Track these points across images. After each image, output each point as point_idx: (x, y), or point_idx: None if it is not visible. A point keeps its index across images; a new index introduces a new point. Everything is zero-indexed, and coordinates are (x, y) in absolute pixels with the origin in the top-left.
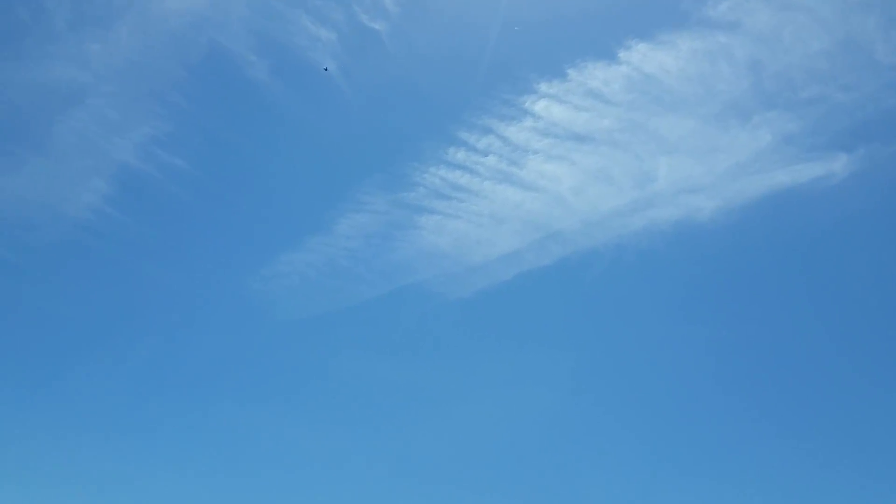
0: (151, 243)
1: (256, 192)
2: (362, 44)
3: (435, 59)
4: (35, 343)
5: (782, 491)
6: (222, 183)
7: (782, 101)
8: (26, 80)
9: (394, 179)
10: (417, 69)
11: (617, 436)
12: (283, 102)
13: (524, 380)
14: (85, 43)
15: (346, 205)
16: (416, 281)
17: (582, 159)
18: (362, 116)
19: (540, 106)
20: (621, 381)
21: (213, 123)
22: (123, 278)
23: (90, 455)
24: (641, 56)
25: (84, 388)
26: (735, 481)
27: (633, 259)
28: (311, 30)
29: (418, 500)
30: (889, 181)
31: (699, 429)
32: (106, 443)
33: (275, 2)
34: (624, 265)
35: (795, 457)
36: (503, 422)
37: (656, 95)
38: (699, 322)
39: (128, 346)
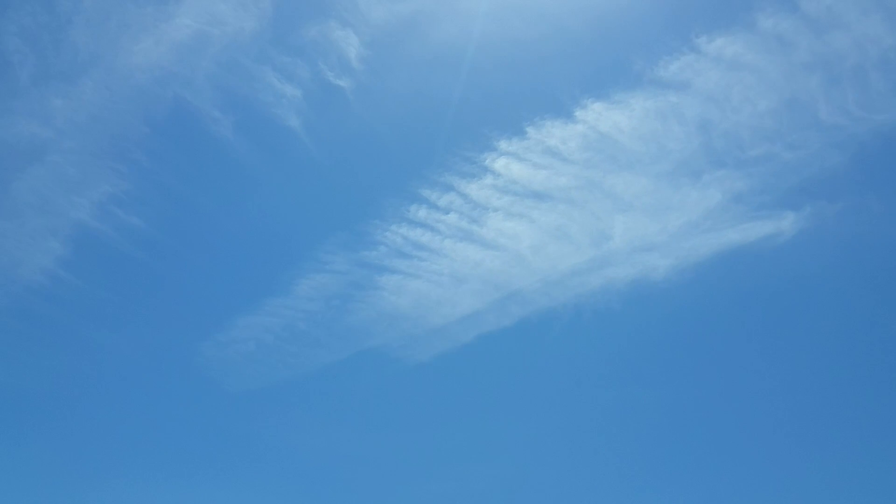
0: (104, 308)
1: (215, 251)
2: (327, 100)
3: (398, 116)
4: None
5: None
6: (180, 242)
7: (731, 160)
8: None
9: (355, 238)
10: (381, 126)
11: (581, 498)
12: (246, 159)
13: (486, 446)
14: (48, 98)
15: (307, 264)
16: (375, 345)
17: (541, 217)
18: (325, 173)
19: (500, 163)
20: (583, 442)
21: (174, 181)
22: (74, 345)
23: None
24: (597, 115)
25: (31, 456)
26: None
27: (591, 319)
28: (276, 86)
29: None
30: (836, 238)
31: (659, 486)
32: None
33: (242, 58)
34: (582, 325)
35: None
36: (465, 489)
37: (611, 154)
38: (656, 381)
39: (74, 416)
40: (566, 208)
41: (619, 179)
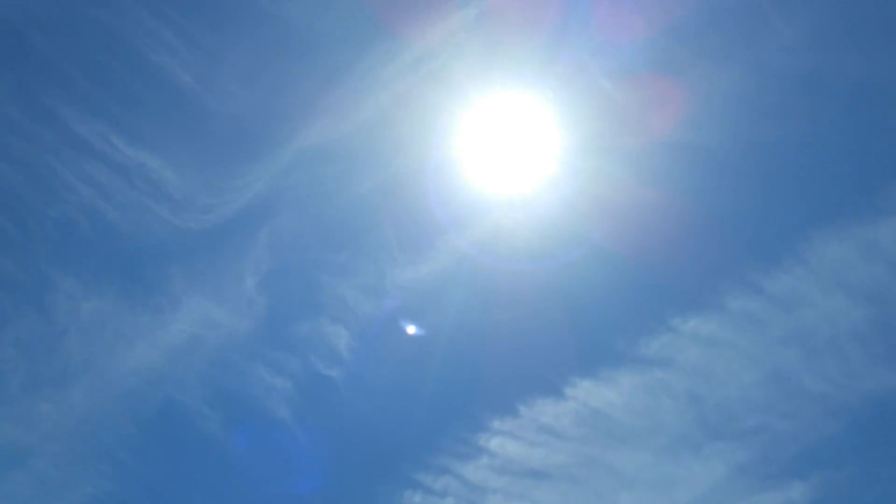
0: None
1: None
2: (317, 390)
3: (388, 401)
4: None
5: None
6: None
7: (727, 432)
8: None
9: None
10: (371, 412)
11: None
12: (234, 452)
13: None
14: (37, 404)
15: None
16: None
17: (542, 497)
18: (315, 463)
19: (495, 443)
20: None
21: (159, 478)
22: None
23: None
24: (587, 392)
25: None
26: None
27: None
28: (267, 380)
29: None
30: None
31: None
32: None
33: (234, 357)
34: None
35: None
36: None
37: (606, 429)
38: None
39: None
40: (568, 486)
41: (619, 455)
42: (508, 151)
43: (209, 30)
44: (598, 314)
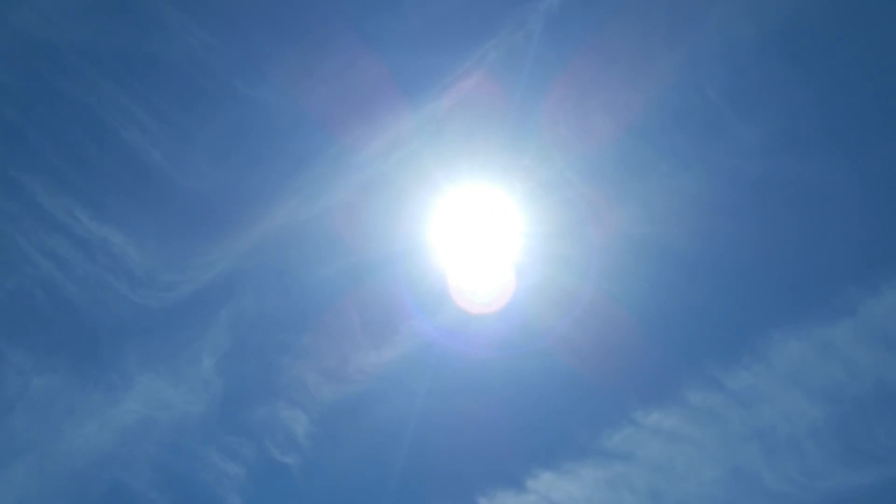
0: None
1: None
2: (271, 478)
3: (345, 490)
4: None
5: None
6: None
7: None
8: None
9: None
10: (326, 500)
11: None
12: None
13: None
14: None
15: None
16: None
17: None
18: None
19: None
20: None
21: None
22: None
23: None
24: (548, 485)
25: None
26: None
27: None
28: (218, 465)
29: None
30: None
31: None
32: None
33: (186, 440)
34: None
35: None
36: None
37: None
38: None
39: None
40: None
41: None
42: (475, 239)
43: (181, 108)
44: (560, 404)
